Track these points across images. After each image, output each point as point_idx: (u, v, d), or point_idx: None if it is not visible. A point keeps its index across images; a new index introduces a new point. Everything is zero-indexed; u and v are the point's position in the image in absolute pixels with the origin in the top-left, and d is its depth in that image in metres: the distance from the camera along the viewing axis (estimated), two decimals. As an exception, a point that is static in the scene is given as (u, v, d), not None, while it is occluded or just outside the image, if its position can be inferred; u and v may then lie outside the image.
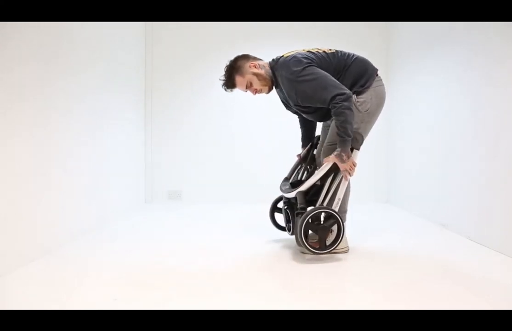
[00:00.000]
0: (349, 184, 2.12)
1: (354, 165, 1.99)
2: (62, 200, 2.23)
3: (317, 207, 1.97)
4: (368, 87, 2.03)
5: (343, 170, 1.98)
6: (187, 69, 3.99)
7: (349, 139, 1.92)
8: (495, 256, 2.08)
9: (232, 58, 2.14)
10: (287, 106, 2.28)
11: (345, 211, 2.13)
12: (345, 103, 1.87)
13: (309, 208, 2.01)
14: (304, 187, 2.05)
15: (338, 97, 1.87)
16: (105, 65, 2.87)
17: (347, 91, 1.90)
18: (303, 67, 1.93)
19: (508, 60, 2.07)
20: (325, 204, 2.03)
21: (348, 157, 1.94)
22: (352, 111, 1.90)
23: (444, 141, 2.78)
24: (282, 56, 2.07)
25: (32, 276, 1.74)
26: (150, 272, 1.84)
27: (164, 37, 3.98)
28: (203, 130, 4.01)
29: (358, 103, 2.02)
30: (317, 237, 1.99)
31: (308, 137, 2.41)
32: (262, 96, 2.26)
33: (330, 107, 1.91)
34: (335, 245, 1.98)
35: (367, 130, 2.10)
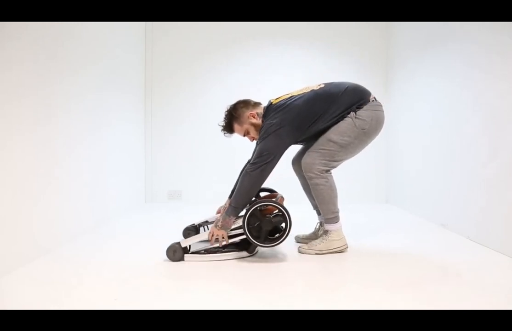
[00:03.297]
0: (334, 185, 2.09)
1: (223, 236, 1.98)
2: (62, 200, 2.23)
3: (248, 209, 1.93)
4: (365, 108, 2.04)
5: (210, 233, 1.98)
6: (187, 69, 3.99)
7: (236, 210, 1.95)
8: (495, 256, 2.08)
9: (233, 103, 2.18)
10: None
11: (336, 212, 2.11)
12: (259, 171, 1.92)
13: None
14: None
15: (263, 161, 1.92)
16: (105, 64, 2.87)
17: (271, 169, 1.95)
18: (282, 128, 1.97)
19: (509, 60, 2.07)
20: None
21: (224, 226, 1.96)
22: (254, 186, 1.95)
23: (444, 141, 2.78)
24: (272, 103, 2.11)
25: (32, 276, 1.74)
26: (150, 272, 1.83)
27: (164, 37, 3.98)
28: (203, 130, 4.01)
29: (356, 119, 2.02)
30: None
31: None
32: None
33: (252, 160, 1.98)
34: (284, 236, 1.93)
35: (358, 148, 2.09)
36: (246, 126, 2.14)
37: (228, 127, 2.21)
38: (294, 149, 2.28)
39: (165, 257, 1.97)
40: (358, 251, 2.16)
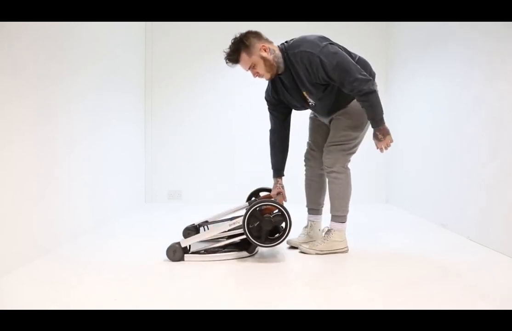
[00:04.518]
0: (350, 185, 2.13)
1: (391, 140, 1.97)
2: (62, 200, 2.23)
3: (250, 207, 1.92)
4: None
5: (380, 148, 1.98)
6: (187, 68, 3.98)
7: (379, 119, 1.92)
8: (495, 256, 2.08)
9: (244, 31, 1.99)
10: (276, 102, 2.19)
11: (347, 211, 2.14)
12: (365, 88, 1.87)
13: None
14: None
15: (359, 83, 1.86)
16: (105, 64, 2.87)
17: (367, 75, 1.90)
18: (327, 43, 1.93)
19: (509, 60, 2.07)
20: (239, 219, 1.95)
21: (384, 134, 1.94)
22: (375, 92, 1.91)
23: (444, 140, 2.78)
24: (293, 38, 2.03)
25: (32, 276, 1.74)
26: (150, 272, 1.83)
27: (164, 37, 3.98)
28: (203, 130, 4.01)
29: None
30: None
31: (283, 164, 2.28)
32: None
33: (349, 91, 1.91)
34: (284, 235, 1.94)
35: (365, 132, 2.14)
36: (254, 58, 1.95)
37: (234, 55, 1.98)
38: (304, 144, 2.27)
39: (165, 257, 1.97)
40: (358, 251, 2.16)
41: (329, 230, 2.12)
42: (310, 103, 2.11)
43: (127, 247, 2.27)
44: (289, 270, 1.90)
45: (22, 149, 1.85)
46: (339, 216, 2.11)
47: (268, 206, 1.96)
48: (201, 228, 2.29)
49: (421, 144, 3.17)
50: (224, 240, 2.01)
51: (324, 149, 2.15)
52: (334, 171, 2.08)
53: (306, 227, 2.28)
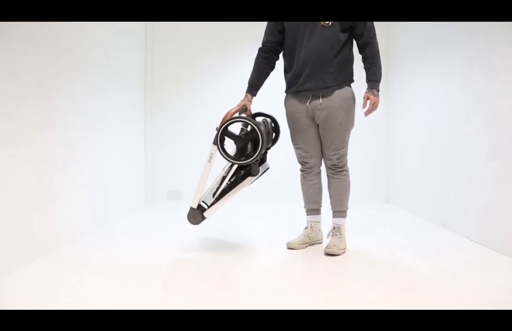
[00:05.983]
0: (349, 183, 2.17)
1: (377, 105, 2.11)
2: (62, 200, 2.23)
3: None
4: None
5: (373, 103, 2.08)
6: (187, 69, 3.98)
7: (380, 77, 2.11)
8: (495, 256, 2.08)
9: None
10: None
11: (347, 209, 2.18)
12: (377, 45, 2.11)
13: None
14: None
15: (376, 38, 2.10)
16: (105, 64, 2.87)
17: None
18: None
19: (509, 60, 2.07)
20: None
21: (377, 94, 2.10)
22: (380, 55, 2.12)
23: (444, 140, 2.78)
24: None
25: (32, 276, 1.74)
26: (150, 272, 1.83)
27: (164, 37, 3.98)
28: (203, 130, 4.00)
29: (352, 95, 2.15)
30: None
31: (260, 84, 2.30)
32: None
33: (366, 38, 2.09)
34: (252, 157, 1.97)
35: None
36: None
37: None
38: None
39: (165, 257, 1.98)
40: (358, 251, 2.16)
41: (339, 227, 2.15)
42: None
43: (127, 247, 2.28)
44: (289, 270, 1.90)
45: (22, 148, 1.85)
46: (344, 211, 2.18)
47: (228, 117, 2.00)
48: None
49: (421, 144, 3.17)
50: (226, 180, 2.09)
51: (330, 153, 2.13)
52: (344, 170, 2.17)
53: (306, 228, 2.27)
